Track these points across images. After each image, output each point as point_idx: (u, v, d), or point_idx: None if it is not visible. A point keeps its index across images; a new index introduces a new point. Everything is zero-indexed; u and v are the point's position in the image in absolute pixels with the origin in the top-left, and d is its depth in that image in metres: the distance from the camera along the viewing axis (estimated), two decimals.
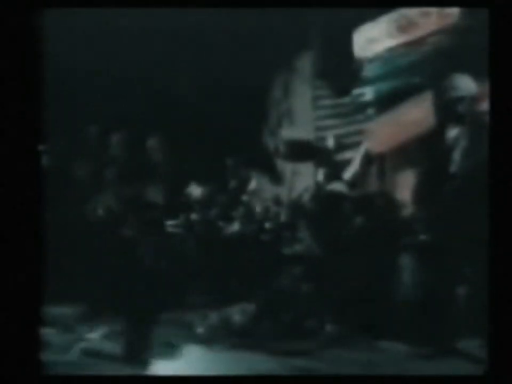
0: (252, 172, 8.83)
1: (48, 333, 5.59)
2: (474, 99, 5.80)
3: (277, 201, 8.43)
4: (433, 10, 7.50)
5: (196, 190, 8.32)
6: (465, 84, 5.80)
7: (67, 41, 7.82)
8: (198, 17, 7.74)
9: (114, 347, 5.61)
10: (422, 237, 6.16)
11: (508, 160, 4.37)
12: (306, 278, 6.76)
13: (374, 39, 8.22)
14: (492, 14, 4.44)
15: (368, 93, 8.82)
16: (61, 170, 7.52)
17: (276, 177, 9.46)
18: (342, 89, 9.14)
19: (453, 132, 5.91)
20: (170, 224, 8.08)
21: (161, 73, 8.84)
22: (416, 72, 7.92)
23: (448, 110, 5.83)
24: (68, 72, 8.11)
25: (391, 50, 8.09)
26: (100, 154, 7.72)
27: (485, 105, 5.36)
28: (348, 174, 8.10)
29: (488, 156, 4.50)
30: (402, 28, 7.88)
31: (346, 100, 9.30)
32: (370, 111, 9.06)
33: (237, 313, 6.35)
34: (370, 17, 8.06)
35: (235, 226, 8.02)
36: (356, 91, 8.91)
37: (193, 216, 8.19)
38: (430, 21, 7.57)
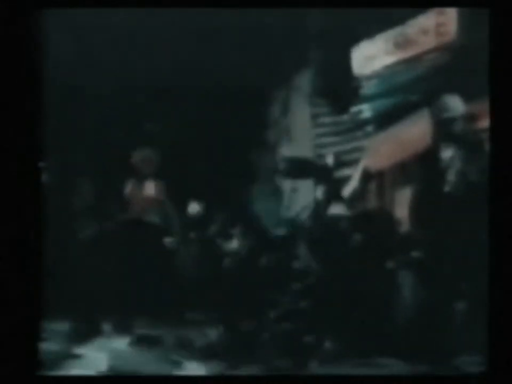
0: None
1: (45, 347, 5.58)
2: (470, 118, 5.81)
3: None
4: (431, 27, 7.51)
5: (193, 208, 8.32)
6: (455, 105, 5.79)
7: (67, 42, 7.78)
8: (198, 26, 7.75)
9: None
10: (421, 254, 6.16)
11: (507, 176, 4.38)
12: (304, 295, 6.74)
13: (372, 56, 8.24)
14: (493, 14, 4.46)
15: (367, 110, 8.83)
16: (62, 187, 7.51)
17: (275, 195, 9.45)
18: (341, 106, 9.15)
19: (450, 150, 5.92)
20: (168, 241, 8.07)
21: (160, 78, 8.81)
22: (414, 90, 7.93)
23: (443, 129, 5.83)
24: (68, 75, 8.08)
25: (389, 67, 8.11)
26: (101, 169, 7.69)
27: (482, 124, 5.37)
28: (347, 191, 8.09)
29: (488, 172, 4.51)
30: (400, 45, 7.90)
31: (345, 117, 9.30)
32: (369, 128, 9.05)
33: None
34: (368, 34, 8.09)
35: (233, 244, 8.01)
36: (355, 108, 8.93)
37: (192, 233, 8.18)
38: (428, 38, 7.59)
